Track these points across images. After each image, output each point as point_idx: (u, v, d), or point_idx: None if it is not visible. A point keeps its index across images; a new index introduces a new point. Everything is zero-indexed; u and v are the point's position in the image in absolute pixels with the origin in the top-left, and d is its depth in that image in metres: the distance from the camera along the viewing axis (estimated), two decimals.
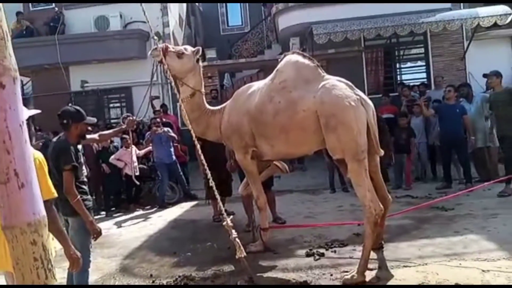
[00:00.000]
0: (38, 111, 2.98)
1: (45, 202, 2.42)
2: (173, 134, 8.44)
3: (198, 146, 3.95)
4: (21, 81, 13.17)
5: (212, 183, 3.87)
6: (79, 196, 3.27)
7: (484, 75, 7.98)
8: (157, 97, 11.05)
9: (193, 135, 4.04)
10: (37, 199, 1.29)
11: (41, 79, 12.25)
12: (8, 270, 2.60)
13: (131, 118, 4.34)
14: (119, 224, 7.16)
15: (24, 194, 1.25)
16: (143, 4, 3.86)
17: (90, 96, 12.25)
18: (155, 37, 3.96)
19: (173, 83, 4.26)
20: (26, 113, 2.69)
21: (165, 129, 8.38)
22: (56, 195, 2.65)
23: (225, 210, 6.39)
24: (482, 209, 5.73)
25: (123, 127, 4.29)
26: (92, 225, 3.34)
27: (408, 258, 4.17)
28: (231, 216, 4.33)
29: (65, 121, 3.38)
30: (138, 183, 7.42)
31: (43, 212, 1.30)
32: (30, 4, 12.40)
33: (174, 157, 8.47)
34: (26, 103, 2.96)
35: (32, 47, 11.50)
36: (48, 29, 11.80)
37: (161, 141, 8.27)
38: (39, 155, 2.62)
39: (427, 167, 8.58)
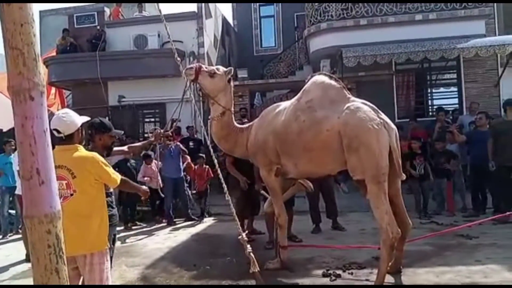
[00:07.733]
0: (89, 118, 3.23)
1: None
2: (183, 148, 8.38)
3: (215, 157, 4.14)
4: (64, 93, 13.91)
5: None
6: None
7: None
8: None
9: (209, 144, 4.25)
10: (54, 195, 1.49)
11: (81, 92, 12.82)
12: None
13: (158, 131, 4.54)
14: (145, 235, 7.39)
15: (43, 190, 1.45)
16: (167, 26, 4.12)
17: (127, 110, 12.69)
18: (178, 58, 4.17)
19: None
20: (80, 119, 2.99)
21: (176, 142, 8.38)
22: (118, 182, 3.01)
23: (254, 230, 6.55)
24: (508, 239, 5.58)
25: (152, 139, 4.51)
26: None
27: (424, 284, 4.12)
28: (246, 232, 4.42)
29: (89, 132, 3.52)
30: (163, 195, 7.56)
31: (58, 206, 1.50)
32: (75, 21, 13.10)
33: (182, 173, 8.42)
34: None
35: (75, 62, 12.17)
36: (91, 45, 12.39)
37: (171, 155, 8.20)
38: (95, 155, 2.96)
39: (464, 195, 7.89)
